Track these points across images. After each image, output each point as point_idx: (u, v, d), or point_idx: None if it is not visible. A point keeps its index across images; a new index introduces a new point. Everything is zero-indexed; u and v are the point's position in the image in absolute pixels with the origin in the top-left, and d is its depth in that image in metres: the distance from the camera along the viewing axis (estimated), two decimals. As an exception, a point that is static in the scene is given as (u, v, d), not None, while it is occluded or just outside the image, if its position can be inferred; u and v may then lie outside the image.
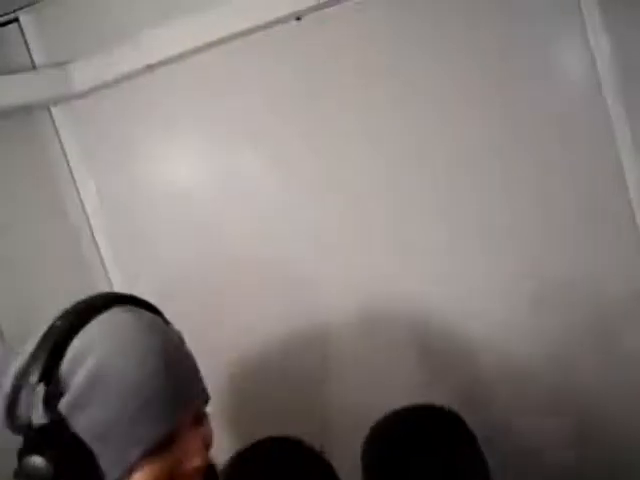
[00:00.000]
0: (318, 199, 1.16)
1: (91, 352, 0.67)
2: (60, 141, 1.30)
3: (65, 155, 1.30)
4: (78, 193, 1.32)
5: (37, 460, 0.63)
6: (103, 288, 1.29)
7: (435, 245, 1.10)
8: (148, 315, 0.74)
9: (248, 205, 1.21)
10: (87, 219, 1.32)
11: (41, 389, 0.65)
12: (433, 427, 0.73)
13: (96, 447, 0.66)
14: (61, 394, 0.66)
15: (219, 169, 1.23)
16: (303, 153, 1.15)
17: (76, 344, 0.67)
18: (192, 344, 0.75)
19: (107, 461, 0.66)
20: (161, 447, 0.68)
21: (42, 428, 0.65)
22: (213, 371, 0.82)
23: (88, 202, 1.32)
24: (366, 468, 0.70)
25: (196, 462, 0.70)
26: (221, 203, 1.23)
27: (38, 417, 0.65)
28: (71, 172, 1.31)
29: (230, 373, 1.22)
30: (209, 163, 1.23)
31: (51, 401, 0.65)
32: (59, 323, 0.69)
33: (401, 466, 0.67)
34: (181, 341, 0.75)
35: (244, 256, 1.20)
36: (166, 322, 0.77)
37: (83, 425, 0.66)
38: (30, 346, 0.69)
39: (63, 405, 0.66)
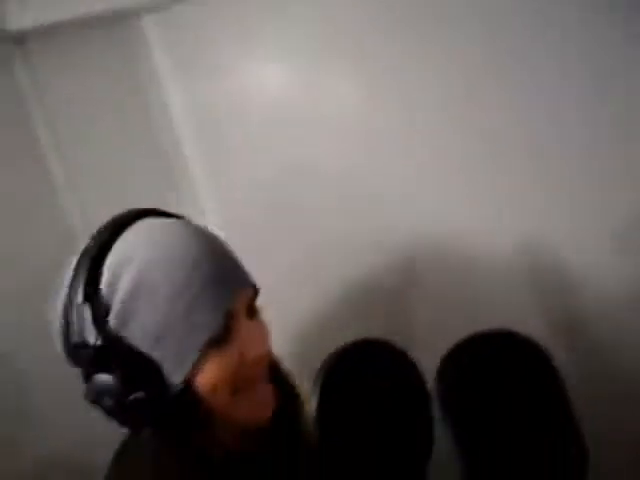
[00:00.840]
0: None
1: (129, 263, 0.68)
2: (152, 51, 1.26)
3: (155, 67, 1.26)
4: (167, 107, 1.28)
5: (103, 377, 0.65)
6: (191, 205, 1.29)
7: (541, 183, 1.04)
8: (179, 219, 0.75)
9: (343, 129, 1.15)
10: (176, 134, 1.30)
11: (87, 309, 0.67)
12: (514, 354, 0.69)
13: (156, 354, 0.67)
14: (107, 311, 0.67)
15: (315, 87, 1.16)
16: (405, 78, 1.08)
17: (111, 259, 0.68)
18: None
19: (170, 364, 0.67)
20: (219, 341, 0.69)
21: (98, 347, 0.66)
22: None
23: (178, 117, 1.28)
24: (440, 387, 0.67)
25: (257, 351, 0.71)
26: (315, 124, 1.17)
27: (92, 337, 0.66)
28: (161, 84, 1.27)
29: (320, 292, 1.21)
30: (306, 81, 1.17)
31: (100, 319, 0.67)
32: (91, 243, 0.70)
33: (475, 390, 0.66)
34: (219, 237, 0.74)
35: (336, 178, 1.16)
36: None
37: (137, 335, 0.67)
38: (71, 269, 0.70)
39: (112, 321, 0.67)
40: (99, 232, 0.71)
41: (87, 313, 0.66)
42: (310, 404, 0.64)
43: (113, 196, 1.14)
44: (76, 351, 0.68)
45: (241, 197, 1.27)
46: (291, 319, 1.20)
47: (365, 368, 0.68)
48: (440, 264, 1.00)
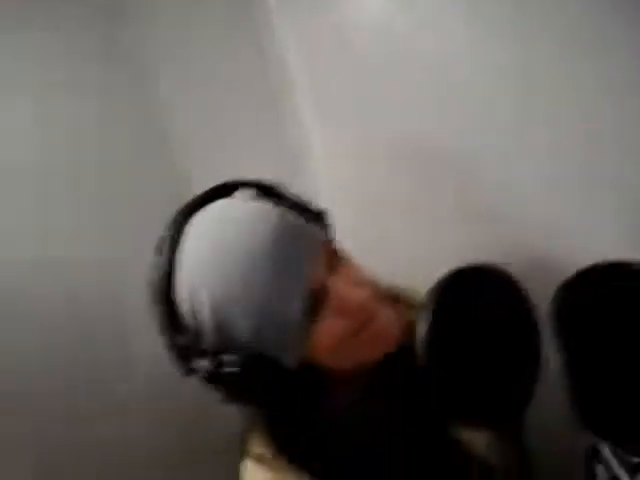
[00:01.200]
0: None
1: (200, 287, 0.68)
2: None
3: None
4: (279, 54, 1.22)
5: (220, 390, 0.71)
6: (301, 152, 1.25)
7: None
8: (244, 202, 0.74)
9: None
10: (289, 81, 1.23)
11: (181, 340, 0.70)
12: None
13: (259, 345, 0.69)
14: (200, 339, 0.70)
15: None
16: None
17: (182, 282, 0.69)
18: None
19: (277, 346, 0.69)
20: (315, 311, 0.70)
21: (208, 370, 0.70)
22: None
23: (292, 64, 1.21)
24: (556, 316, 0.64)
25: (354, 298, 0.70)
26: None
27: (199, 363, 0.70)
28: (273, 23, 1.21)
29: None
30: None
31: (198, 345, 0.70)
32: (156, 273, 0.72)
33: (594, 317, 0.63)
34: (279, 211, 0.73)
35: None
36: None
37: (238, 339, 0.69)
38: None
39: (210, 343, 0.70)
40: (163, 239, 0.73)
41: (179, 349, 0.71)
42: (419, 328, 0.65)
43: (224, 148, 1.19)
44: (190, 372, 0.72)
45: (350, 165, 1.21)
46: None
47: (475, 293, 0.68)
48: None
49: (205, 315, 0.68)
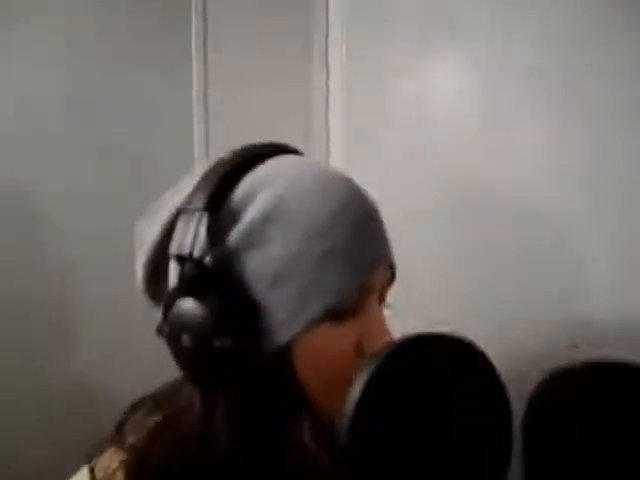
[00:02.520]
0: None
1: (270, 184, 0.57)
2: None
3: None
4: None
5: (190, 305, 0.52)
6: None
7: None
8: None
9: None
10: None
11: (205, 219, 0.54)
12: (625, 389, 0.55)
13: (269, 298, 0.54)
14: (230, 227, 0.56)
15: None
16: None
17: (252, 178, 0.58)
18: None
19: (279, 317, 0.54)
20: (341, 315, 0.56)
21: (205, 264, 0.54)
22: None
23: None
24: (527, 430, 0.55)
25: (380, 343, 0.55)
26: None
27: (199, 252, 0.53)
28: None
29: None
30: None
31: (218, 233, 0.55)
32: (229, 157, 0.59)
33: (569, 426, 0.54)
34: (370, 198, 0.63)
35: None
36: None
37: (257, 265, 0.55)
38: (187, 185, 0.59)
39: (233, 239, 0.55)
40: (242, 150, 0.61)
41: (202, 224, 0.54)
42: (350, 393, 0.48)
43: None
44: (168, 265, 0.57)
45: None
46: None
47: (432, 366, 0.51)
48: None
49: (255, 207, 0.56)
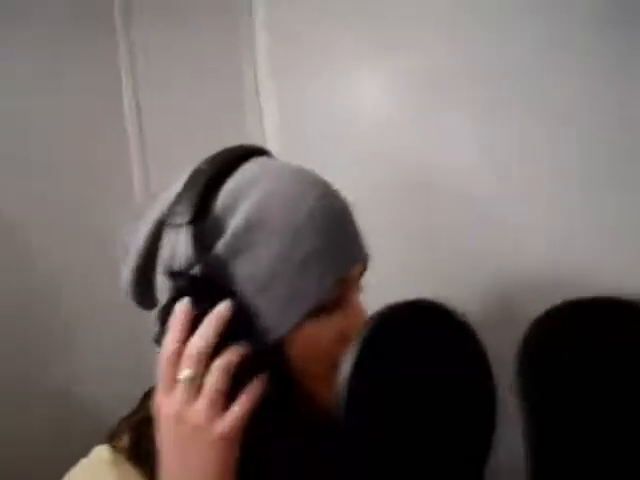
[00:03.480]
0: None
1: (250, 192, 0.59)
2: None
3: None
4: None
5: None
6: None
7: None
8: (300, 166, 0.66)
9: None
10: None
11: (189, 233, 0.57)
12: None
13: (257, 302, 0.58)
14: (215, 237, 0.58)
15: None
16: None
17: (230, 186, 0.60)
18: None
19: (269, 318, 0.58)
20: (326, 309, 0.60)
21: (196, 277, 0.56)
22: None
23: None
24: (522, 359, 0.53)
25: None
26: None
27: (188, 263, 0.57)
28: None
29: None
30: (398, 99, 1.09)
31: (204, 243, 0.57)
32: (206, 167, 0.61)
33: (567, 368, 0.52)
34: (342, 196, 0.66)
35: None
36: None
37: (245, 271, 0.58)
38: (170, 193, 0.62)
39: (220, 248, 0.58)
40: (217, 158, 0.63)
41: (188, 237, 0.57)
42: (340, 370, 0.50)
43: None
44: (154, 272, 0.60)
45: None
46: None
47: (413, 332, 0.54)
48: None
49: (238, 218, 0.59)
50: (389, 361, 0.52)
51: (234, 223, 0.58)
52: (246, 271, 0.58)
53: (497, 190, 0.98)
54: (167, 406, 0.55)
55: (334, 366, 0.57)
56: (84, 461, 0.63)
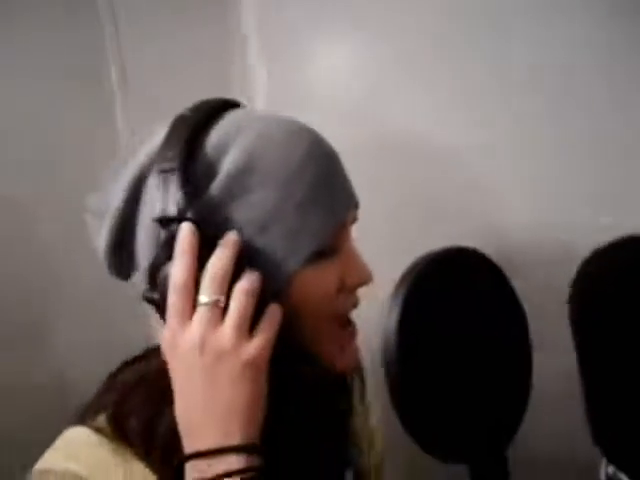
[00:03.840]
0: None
1: (241, 136, 0.57)
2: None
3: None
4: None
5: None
6: None
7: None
8: None
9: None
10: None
11: (180, 176, 0.53)
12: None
13: (258, 242, 0.55)
14: (205, 183, 0.55)
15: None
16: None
17: (218, 131, 0.57)
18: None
19: (272, 257, 0.55)
20: (326, 252, 0.58)
21: (187, 220, 0.52)
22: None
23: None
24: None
25: (361, 278, 0.60)
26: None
27: (178, 210, 0.52)
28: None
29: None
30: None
31: (195, 189, 0.54)
32: (190, 113, 0.58)
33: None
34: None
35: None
36: None
37: (241, 215, 0.55)
38: (154, 141, 0.58)
39: (213, 193, 0.55)
40: (199, 104, 0.59)
41: (179, 182, 0.53)
42: (388, 317, 0.50)
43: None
44: (135, 230, 0.56)
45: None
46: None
47: (454, 278, 0.53)
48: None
49: (232, 159, 0.55)
50: (433, 304, 0.52)
51: (227, 167, 0.56)
52: (243, 215, 0.55)
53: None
54: (186, 337, 0.51)
55: (335, 319, 0.59)
56: (62, 444, 0.59)
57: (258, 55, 1.25)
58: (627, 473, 0.47)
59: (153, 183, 0.55)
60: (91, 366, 0.80)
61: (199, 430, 0.51)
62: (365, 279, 0.61)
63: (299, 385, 0.58)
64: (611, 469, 0.49)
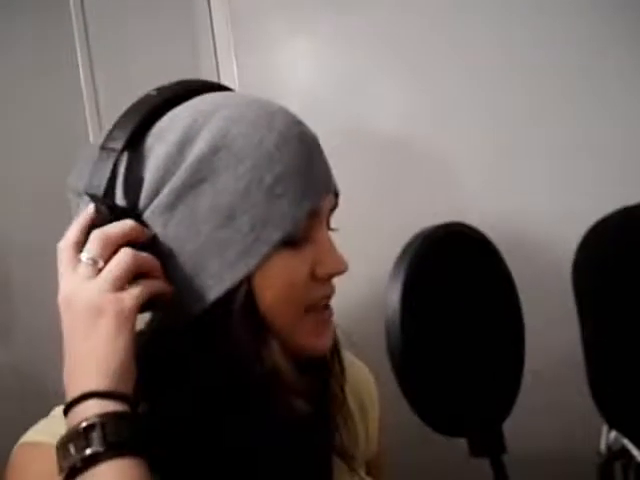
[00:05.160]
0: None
1: (212, 117, 0.56)
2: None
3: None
4: None
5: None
6: None
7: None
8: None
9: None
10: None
11: (120, 158, 0.55)
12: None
13: (223, 233, 0.55)
14: (176, 164, 0.55)
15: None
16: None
17: (188, 113, 0.57)
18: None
19: (235, 250, 0.55)
20: (294, 243, 0.58)
21: (108, 204, 0.55)
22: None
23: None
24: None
25: (333, 267, 0.60)
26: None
27: (98, 189, 0.54)
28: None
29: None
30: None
31: (126, 173, 0.55)
32: (155, 93, 0.58)
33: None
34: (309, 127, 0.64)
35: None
36: None
37: (209, 199, 0.54)
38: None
39: (182, 175, 0.55)
40: (172, 85, 0.60)
41: (120, 160, 0.55)
42: (389, 292, 0.49)
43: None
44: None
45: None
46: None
47: (451, 261, 0.53)
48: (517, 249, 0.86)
49: (200, 143, 0.55)
50: (434, 280, 0.51)
51: (197, 149, 0.55)
52: (210, 200, 0.55)
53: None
54: (63, 288, 0.54)
55: (307, 309, 0.59)
56: (52, 421, 0.60)
57: (228, 48, 1.24)
58: (630, 439, 0.47)
59: (94, 154, 0.56)
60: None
61: (69, 379, 0.52)
62: (337, 269, 0.61)
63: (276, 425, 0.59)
64: (612, 437, 0.49)
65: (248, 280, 0.56)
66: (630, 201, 0.50)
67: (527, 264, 0.80)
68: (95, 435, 0.47)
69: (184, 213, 0.55)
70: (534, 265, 0.92)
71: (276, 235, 0.56)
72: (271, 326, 0.58)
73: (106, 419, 0.48)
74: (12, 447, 0.59)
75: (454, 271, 0.53)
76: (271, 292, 0.57)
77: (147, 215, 0.56)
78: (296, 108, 0.64)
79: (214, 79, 1.17)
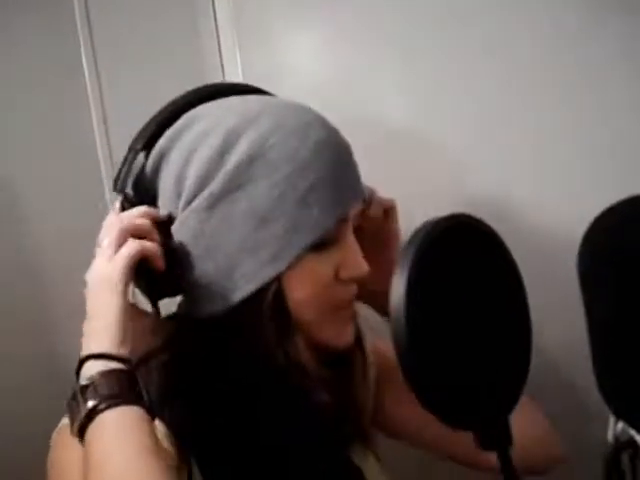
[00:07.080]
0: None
1: (252, 124, 0.59)
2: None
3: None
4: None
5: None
6: None
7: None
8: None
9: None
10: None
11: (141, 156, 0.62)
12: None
13: (259, 233, 0.58)
14: (215, 170, 0.60)
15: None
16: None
17: (228, 116, 0.61)
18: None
19: (267, 252, 0.58)
20: (322, 246, 0.61)
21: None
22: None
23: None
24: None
25: (356, 271, 0.62)
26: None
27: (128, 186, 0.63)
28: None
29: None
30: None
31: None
32: (180, 98, 0.64)
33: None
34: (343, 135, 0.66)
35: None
36: None
37: (244, 205, 0.58)
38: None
39: (220, 180, 0.59)
40: (198, 90, 0.65)
41: (138, 163, 0.64)
42: (394, 284, 0.49)
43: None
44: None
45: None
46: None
47: (458, 253, 0.52)
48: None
49: (238, 152, 0.58)
50: (439, 272, 0.51)
51: (236, 156, 0.58)
52: (245, 205, 0.57)
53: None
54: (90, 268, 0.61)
55: (331, 308, 0.62)
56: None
57: (232, 46, 1.24)
58: (638, 429, 0.47)
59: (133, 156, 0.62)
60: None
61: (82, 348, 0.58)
62: (359, 274, 0.63)
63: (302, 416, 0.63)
64: (620, 427, 0.49)
65: (278, 280, 0.59)
66: (637, 190, 0.50)
67: (533, 256, 0.80)
68: (90, 391, 0.53)
69: (221, 215, 0.58)
70: (540, 256, 0.91)
71: (307, 240, 0.59)
72: (297, 323, 0.62)
73: (98, 376, 0.54)
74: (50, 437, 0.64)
75: (459, 263, 0.52)
76: (298, 292, 0.61)
77: (185, 213, 0.60)
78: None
79: (219, 77, 1.20)
